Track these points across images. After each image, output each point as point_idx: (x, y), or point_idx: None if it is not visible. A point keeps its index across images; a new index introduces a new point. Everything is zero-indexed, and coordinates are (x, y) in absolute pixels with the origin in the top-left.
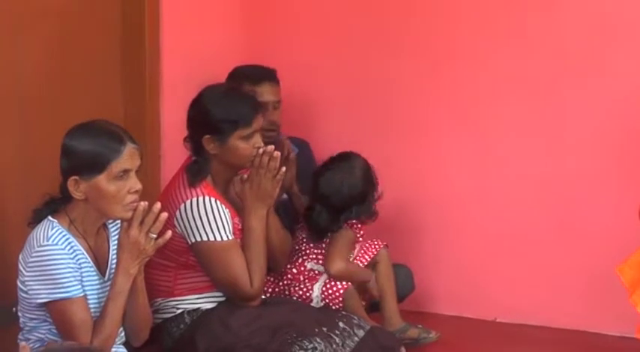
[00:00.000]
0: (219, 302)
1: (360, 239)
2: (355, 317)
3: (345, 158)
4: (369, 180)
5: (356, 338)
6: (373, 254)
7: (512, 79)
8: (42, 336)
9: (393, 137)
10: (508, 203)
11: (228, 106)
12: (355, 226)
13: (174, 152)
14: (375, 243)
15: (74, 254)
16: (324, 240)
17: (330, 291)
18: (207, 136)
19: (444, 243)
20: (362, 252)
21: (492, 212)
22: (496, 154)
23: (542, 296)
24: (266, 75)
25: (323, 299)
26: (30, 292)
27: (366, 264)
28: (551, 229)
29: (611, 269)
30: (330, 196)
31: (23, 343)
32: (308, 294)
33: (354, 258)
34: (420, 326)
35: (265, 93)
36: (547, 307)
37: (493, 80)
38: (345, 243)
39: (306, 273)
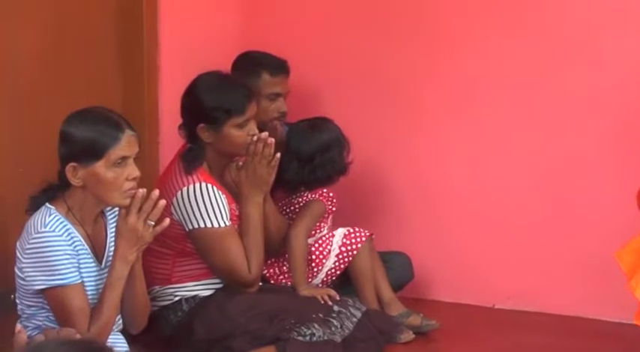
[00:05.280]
0: (217, 289)
1: (333, 208)
2: (350, 300)
3: (316, 118)
4: (336, 136)
5: (354, 319)
6: (357, 247)
7: (511, 65)
8: (40, 323)
9: (392, 122)
10: (506, 189)
11: (221, 95)
12: (327, 196)
13: (172, 139)
14: (359, 234)
15: (71, 241)
16: (296, 195)
17: (352, 236)
18: (202, 125)
19: (442, 230)
20: (345, 242)
21: (490, 198)
22: (494, 140)
23: (541, 282)
24: (283, 67)
25: (341, 246)
26: (27, 279)
27: (351, 258)
28: (549, 215)
29: (610, 255)
30: (298, 146)
31: (19, 326)
32: (329, 241)
33: (328, 232)
34: (420, 314)
35: (282, 84)
36: (545, 293)
37: (491, 65)
38: (312, 216)
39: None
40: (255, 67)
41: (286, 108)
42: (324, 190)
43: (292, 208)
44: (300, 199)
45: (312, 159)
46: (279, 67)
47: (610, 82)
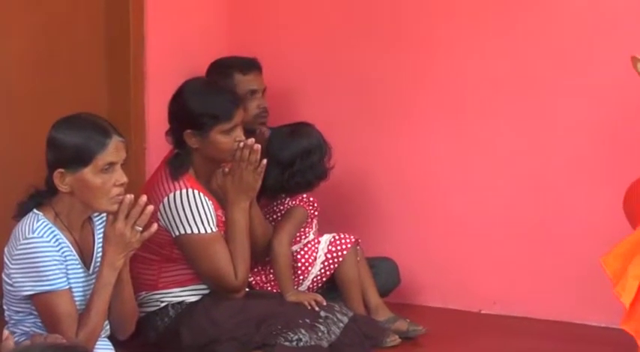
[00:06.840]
0: (204, 295)
1: (315, 213)
2: (336, 305)
3: (298, 123)
4: (316, 141)
5: (341, 324)
6: (342, 254)
7: (497, 69)
8: (27, 329)
9: (376, 126)
10: (492, 194)
11: (208, 101)
12: (308, 201)
13: (158, 145)
14: (345, 240)
15: (59, 247)
16: (277, 200)
17: (338, 243)
18: (189, 131)
19: (429, 235)
20: (331, 249)
21: (476, 203)
22: (481, 144)
23: (527, 287)
24: (254, 64)
25: (327, 254)
26: (15, 285)
27: (336, 265)
28: (535, 220)
29: (596, 260)
30: (278, 152)
31: (6, 332)
32: (315, 248)
33: (315, 238)
34: (407, 319)
35: (256, 80)
36: (532, 298)
37: (477, 69)
38: (295, 222)
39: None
40: (226, 69)
41: (267, 104)
42: (304, 195)
43: (274, 216)
44: (282, 206)
45: (292, 164)
46: (248, 64)
47: (602, 84)
